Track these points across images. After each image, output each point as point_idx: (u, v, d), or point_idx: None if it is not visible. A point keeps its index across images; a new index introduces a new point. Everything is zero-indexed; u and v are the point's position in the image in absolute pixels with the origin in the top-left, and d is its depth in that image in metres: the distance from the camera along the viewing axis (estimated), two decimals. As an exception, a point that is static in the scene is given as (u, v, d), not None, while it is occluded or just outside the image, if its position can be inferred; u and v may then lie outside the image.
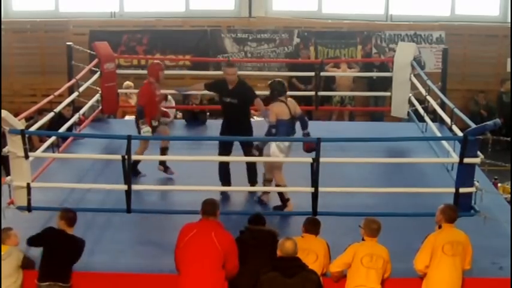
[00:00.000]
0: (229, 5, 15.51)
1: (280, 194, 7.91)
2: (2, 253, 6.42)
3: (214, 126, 11.42)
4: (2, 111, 6.65)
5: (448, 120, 9.14)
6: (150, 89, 8.79)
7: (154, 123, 8.77)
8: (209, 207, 6.17)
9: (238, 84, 8.35)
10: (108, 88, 10.85)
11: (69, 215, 6.59)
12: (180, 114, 12.33)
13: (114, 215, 7.50)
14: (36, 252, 6.60)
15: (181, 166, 8.80)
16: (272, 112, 7.86)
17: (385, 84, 11.97)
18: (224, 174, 8.32)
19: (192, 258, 5.97)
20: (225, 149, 8.31)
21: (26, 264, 6.54)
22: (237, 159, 8.25)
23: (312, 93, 11.72)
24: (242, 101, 8.29)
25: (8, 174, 7.25)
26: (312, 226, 6.59)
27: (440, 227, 6.47)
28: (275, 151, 7.91)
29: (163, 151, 8.81)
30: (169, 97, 11.69)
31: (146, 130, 8.44)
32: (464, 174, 7.05)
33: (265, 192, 8.08)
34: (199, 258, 5.96)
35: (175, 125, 11.48)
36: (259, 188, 8.15)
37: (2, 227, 6.66)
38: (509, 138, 7.80)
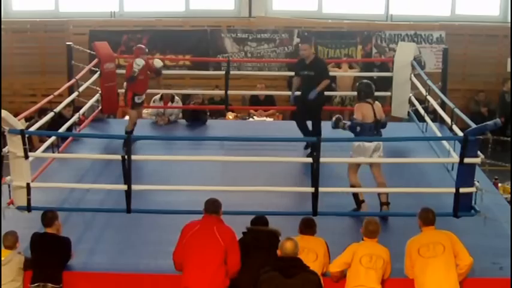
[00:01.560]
0: (229, 5, 15.50)
1: (355, 196, 7.85)
2: (3, 258, 6.42)
3: (214, 126, 11.46)
4: (2, 111, 6.64)
5: (448, 120, 9.14)
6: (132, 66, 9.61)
7: (138, 101, 9.74)
8: (211, 206, 6.29)
9: (314, 60, 9.68)
10: (108, 88, 10.85)
11: (46, 215, 6.69)
12: (180, 114, 12.31)
13: (114, 215, 7.49)
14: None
15: (181, 166, 8.79)
16: (358, 111, 7.88)
17: (386, 84, 11.94)
18: (303, 128, 9.67)
19: (195, 252, 6.07)
20: (301, 111, 9.85)
21: (29, 265, 6.53)
22: (237, 159, 8.25)
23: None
24: (317, 74, 9.49)
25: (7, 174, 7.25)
26: (307, 227, 6.58)
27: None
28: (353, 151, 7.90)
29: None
30: (177, 98, 11.67)
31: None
32: (465, 174, 7.04)
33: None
34: (203, 253, 6.06)
35: (176, 125, 11.48)
36: (260, 188, 8.12)
37: (2, 227, 6.67)
38: (509, 138, 7.80)
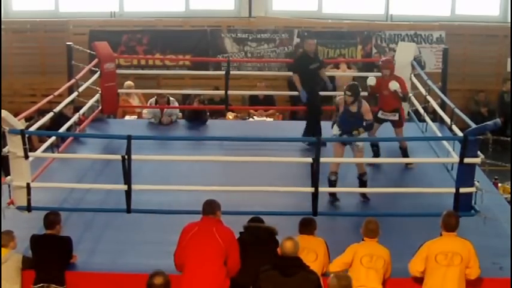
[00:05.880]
0: (229, 5, 15.50)
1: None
2: (2, 256, 6.42)
3: (215, 126, 11.45)
4: (2, 111, 6.65)
5: (448, 120, 9.14)
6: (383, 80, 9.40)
7: (382, 116, 9.35)
8: (208, 207, 6.26)
9: (315, 52, 10.35)
10: (108, 88, 10.85)
11: (48, 218, 6.70)
12: (180, 114, 12.31)
13: (114, 215, 7.49)
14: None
15: (181, 166, 8.79)
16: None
17: (385, 84, 11.94)
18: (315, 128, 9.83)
19: (195, 254, 6.05)
20: (314, 107, 10.14)
21: (28, 264, 6.54)
22: (237, 159, 8.26)
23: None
24: (321, 63, 10.23)
25: (7, 174, 7.25)
26: (304, 227, 6.59)
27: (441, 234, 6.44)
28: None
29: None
30: (172, 99, 11.64)
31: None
32: (465, 174, 7.05)
33: None
34: (202, 254, 6.04)
35: (176, 125, 11.48)
36: (260, 188, 8.13)
37: (2, 227, 6.67)
38: (509, 138, 7.81)
